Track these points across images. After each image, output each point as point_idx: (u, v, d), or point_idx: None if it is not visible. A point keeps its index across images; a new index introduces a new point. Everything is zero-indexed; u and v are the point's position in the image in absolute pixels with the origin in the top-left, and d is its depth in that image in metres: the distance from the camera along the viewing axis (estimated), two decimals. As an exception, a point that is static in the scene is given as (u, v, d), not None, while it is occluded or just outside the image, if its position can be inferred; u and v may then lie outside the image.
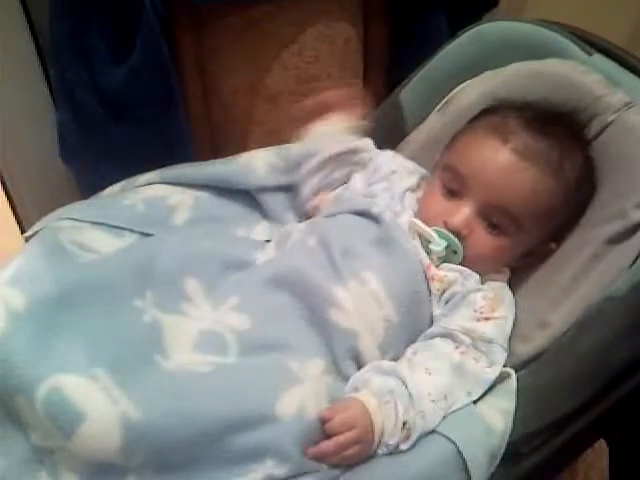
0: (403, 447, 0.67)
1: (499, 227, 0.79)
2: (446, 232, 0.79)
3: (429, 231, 0.79)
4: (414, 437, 0.68)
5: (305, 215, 0.91)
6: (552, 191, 0.78)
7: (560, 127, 0.80)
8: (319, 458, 0.65)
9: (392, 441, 0.67)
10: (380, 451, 0.67)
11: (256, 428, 0.63)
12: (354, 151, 0.90)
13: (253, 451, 0.63)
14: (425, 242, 0.80)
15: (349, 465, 0.67)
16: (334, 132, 0.90)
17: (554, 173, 0.77)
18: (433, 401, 0.70)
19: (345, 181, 0.91)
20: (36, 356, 0.63)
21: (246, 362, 0.70)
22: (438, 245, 0.78)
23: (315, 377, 0.69)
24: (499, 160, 0.78)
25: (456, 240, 0.78)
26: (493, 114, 0.83)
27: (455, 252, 0.79)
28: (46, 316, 0.66)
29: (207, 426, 0.62)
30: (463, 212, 0.79)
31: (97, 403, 0.62)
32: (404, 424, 0.67)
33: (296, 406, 0.65)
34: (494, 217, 0.78)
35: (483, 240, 0.79)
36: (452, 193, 0.81)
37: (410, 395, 0.69)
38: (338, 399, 0.69)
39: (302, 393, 0.66)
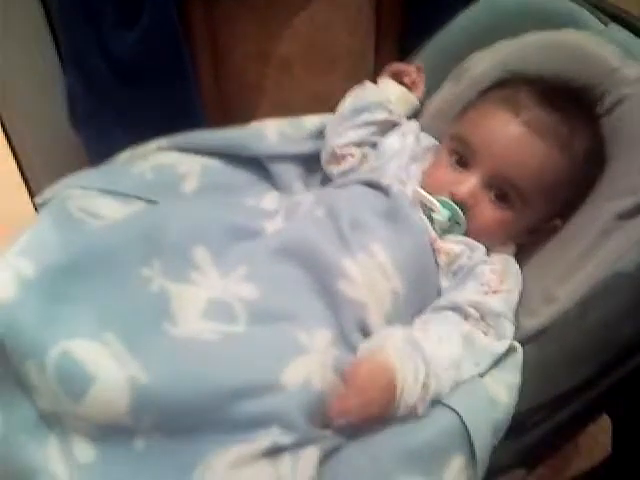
0: (419, 409, 0.67)
1: (504, 200, 0.78)
2: (450, 202, 0.78)
3: (432, 200, 0.79)
4: (428, 400, 0.67)
5: (329, 162, 0.91)
6: (559, 166, 0.77)
7: (571, 102, 0.79)
8: (343, 413, 0.64)
9: (411, 400, 0.66)
10: (399, 411, 0.66)
11: (262, 396, 0.63)
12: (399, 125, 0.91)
13: (259, 418, 0.63)
14: (428, 211, 0.79)
15: (353, 434, 0.67)
16: (395, 94, 0.92)
17: (563, 148, 0.77)
18: (445, 369, 0.70)
19: (375, 145, 0.91)
20: (46, 322, 0.64)
21: (254, 331, 0.70)
22: (441, 215, 0.78)
23: (322, 348, 0.69)
24: (509, 132, 0.77)
25: (459, 211, 0.78)
26: (505, 86, 0.82)
27: (458, 223, 0.79)
28: (56, 284, 0.67)
29: (213, 392, 0.63)
30: (470, 182, 0.78)
31: (107, 366, 0.62)
32: (423, 383, 0.67)
33: (302, 376, 0.65)
34: (500, 189, 0.78)
35: (488, 212, 0.79)
36: (459, 163, 0.81)
37: (424, 358, 0.69)
38: (344, 371, 0.69)
39: (308, 363, 0.66)
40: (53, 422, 0.63)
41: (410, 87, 0.93)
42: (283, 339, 0.69)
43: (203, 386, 0.63)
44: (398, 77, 0.93)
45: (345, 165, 0.90)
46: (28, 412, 0.64)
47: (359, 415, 0.65)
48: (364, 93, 0.92)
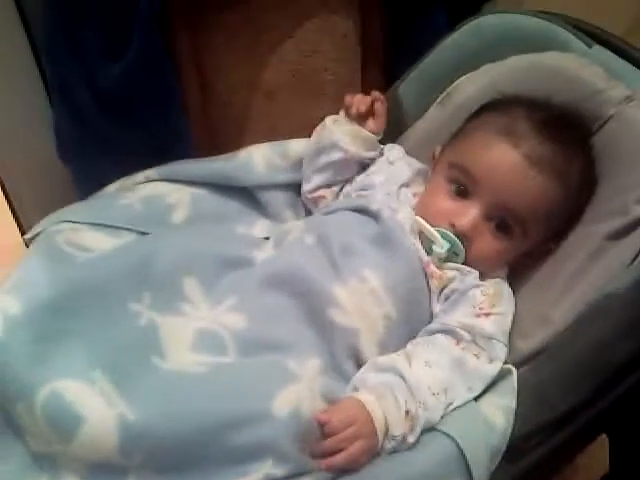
0: (410, 439, 0.67)
1: (504, 230, 0.79)
2: (450, 234, 0.78)
3: (433, 232, 0.78)
4: (419, 429, 0.67)
5: (307, 203, 0.91)
6: (557, 196, 0.78)
7: (567, 130, 0.79)
8: (330, 463, 0.64)
9: (398, 432, 0.67)
10: (388, 445, 0.67)
11: (253, 426, 0.63)
12: (363, 159, 0.90)
13: (251, 450, 0.63)
14: (427, 242, 0.79)
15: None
16: (346, 133, 0.89)
17: (560, 178, 0.77)
18: (433, 394, 0.70)
19: (349, 179, 0.91)
20: (34, 362, 0.64)
21: (243, 362, 0.70)
22: (441, 247, 0.78)
23: (312, 376, 0.69)
24: (509, 165, 0.77)
25: (459, 243, 0.78)
26: (500, 113, 0.82)
27: (456, 254, 0.79)
28: (43, 322, 0.67)
29: (203, 425, 0.62)
30: (471, 214, 0.78)
31: (95, 406, 0.62)
32: (407, 413, 0.67)
33: (292, 404, 0.65)
34: (501, 220, 0.78)
35: (487, 243, 0.79)
36: (459, 193, 0.80)
37: (409, 387, 0.69)
38: (335, 399, 0.69)
39: (297, 391, 0.66)
40: (45, 462, 0.63)
41: (362, 121, 0.90)
42: (272, 369, 0.69)
43: (192, 421, 0.62)
44: (349, 112, 0.90)
45: (321, 206, 0.90)
46: (19, 453, 0.64)
47: (347, 466, 0.65)
48: (321, 133, 0.90)
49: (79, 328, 0.68)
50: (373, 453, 0.67)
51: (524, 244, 0.80)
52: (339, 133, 0.89)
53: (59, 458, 0.63)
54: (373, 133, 0.90)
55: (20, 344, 0.65)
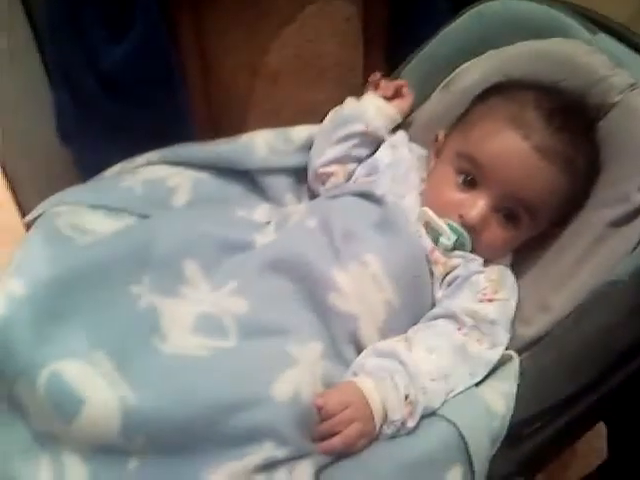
0: (410, 424, 0.67)
1: (512, 219, 0.79)
2: (457, 226, 0.78)
3: (441, 224, 0.78)
4: (418, 414, 0.68)
5: (315, 182, 0.91)
6: (566, 185, 0.78)
7: (575, 118, 0.79)
8: (326, 446, 0.65)
9: (397, 417, 0.67)
10: (388, 430, 0.67)
11: (252, 410, 0.63)
12: (379, 139, 0.90)
13: (251, 433, 0.63)
14: (434, 232, 0.79)
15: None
16: (373, 105, 0.91)
17: (569, 168, 0.77)
18: (433, 380, 0.70)
19: (361, 161, 0.91)
20: (36, 342, 0.64)
21: (244, 346, 0.70)
22: (448, 239, 0.78)
23: (312, 360, 0.69)
24: (520, 157, 0.77)
25: (467, 235, 0.78)
26: (508, 98, 0.81)
27: (463, 245, 0.79)
28: (46, 303, 0.67)
29: (204, 408, 0.62)
30: (479, 206, 0.78)
31: (97, 388, 0.62)
32: (406, 397, 0.67)
33: (292, 388, 0.65)
34: (510, 210, 0.78)
35: (495, 234, 0.79)
36: (467, 183, 0.80)
37: (408, 373, 0.69)
38: (335, 384, 0.69)
39: (298, 375, 0.66)
40: (46, 442, 0.63)
41: (390, 100, 0.92)
42: (273, 352, 0.69)
43: (193, 404, 0.62)
44: (375, 89, 0.92)
45: (329, 184, 0.90)
46: (21, 432, 0.64)
47: (344, 449, 0.66)
48: (342, 108, 0.91)
49: (81, 310, 0.68)
50: (371, 437, 0.67)
51: (531, 231, 0.80)
52: (367, 105, 0.90)
53: (61, 438, 0.63)
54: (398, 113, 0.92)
55: (23, 325, 0.64)
